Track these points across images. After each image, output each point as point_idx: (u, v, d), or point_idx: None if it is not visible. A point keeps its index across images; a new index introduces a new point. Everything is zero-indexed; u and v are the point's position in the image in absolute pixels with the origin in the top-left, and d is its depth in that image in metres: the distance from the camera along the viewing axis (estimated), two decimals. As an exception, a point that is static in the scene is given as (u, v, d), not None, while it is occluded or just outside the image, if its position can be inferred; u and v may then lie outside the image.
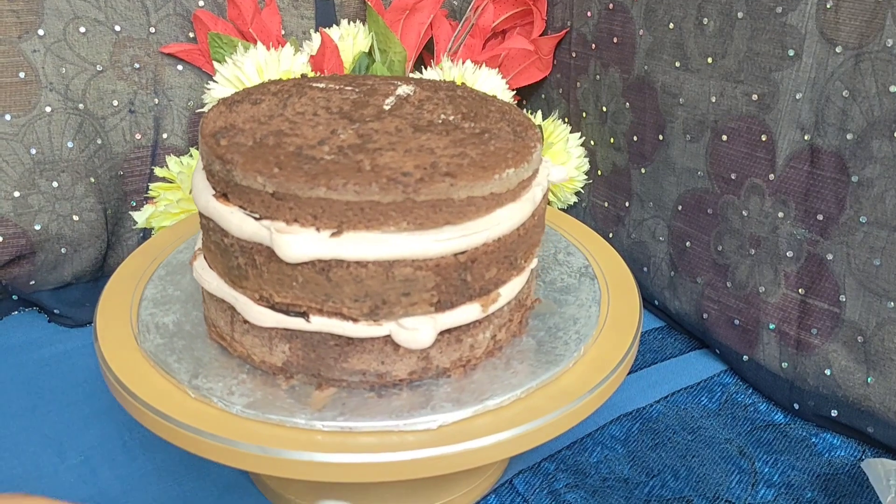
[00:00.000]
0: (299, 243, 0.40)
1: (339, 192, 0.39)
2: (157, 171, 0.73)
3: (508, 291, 0.47)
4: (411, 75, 0.78)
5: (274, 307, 0.44)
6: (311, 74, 0.72)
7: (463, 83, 0.56)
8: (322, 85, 0.53)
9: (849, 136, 0.56)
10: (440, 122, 0.47)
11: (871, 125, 0.55)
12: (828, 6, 0.56)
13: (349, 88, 0.53)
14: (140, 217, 0.73)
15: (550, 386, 0.47)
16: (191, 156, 0.74)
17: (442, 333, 0.45)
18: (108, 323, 0.50)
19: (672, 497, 0.55)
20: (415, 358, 0.45)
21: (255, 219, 0.42)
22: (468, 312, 0.45)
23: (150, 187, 0.74)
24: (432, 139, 0.44)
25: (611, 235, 0.80)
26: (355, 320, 0.43)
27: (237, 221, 0.42)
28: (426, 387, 0.46)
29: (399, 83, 0.54)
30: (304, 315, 0.43)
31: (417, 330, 0.43)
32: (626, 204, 0.77)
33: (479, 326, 0.47)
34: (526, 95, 0.88)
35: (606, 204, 0.80)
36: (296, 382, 0.46)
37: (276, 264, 0.42)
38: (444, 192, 0.40)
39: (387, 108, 0.49)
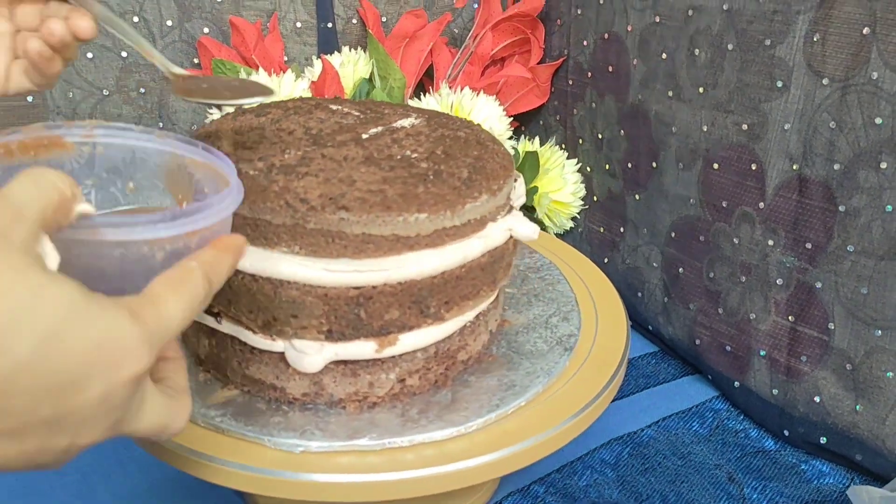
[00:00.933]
0: None
1: (239, 207, 0.42)
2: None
3: (415, 339, 0.47)
4: (420, 106, 0.80)
5: None
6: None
7: (478, 125, 0.55)
8: (336, 107, 0.55)
9: (836, 167, 0.57)
10: (399, 157, 0.47)
11: (858, 156, 0.56)
12: (815, 39, 0.57)
13: (356, 113, 0.54)
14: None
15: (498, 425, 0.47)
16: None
17: (337, 364, 0.46)
18: None
19: (660, 522, 0.56)
20: (307, 381, 0.47)
21: None
22: (361, 349, 0.45)
23: (152, 209, 0.76)
24: (369, 173, 0.45)
25: (606, 261, 0.81)
26: (254, 331, 0.45)
27: None
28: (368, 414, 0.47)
29: (409, 115, 0.55)
30: (217, 316, 0.46)
31: (305, 353, 0.45)
32: (622, 230, 0.78)
33: (381, 366, 0.47)
34: (524, 122, 0.90)
35: (602, 229, 0.81)
36: (209, 377, 0.49)
37: None
38: (334, 224, 0.42)
39: (365, 136, 0.50)
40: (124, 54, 0.73)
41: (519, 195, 0.53)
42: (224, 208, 0.35)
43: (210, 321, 0.47)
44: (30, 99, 0.69)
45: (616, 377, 0.51)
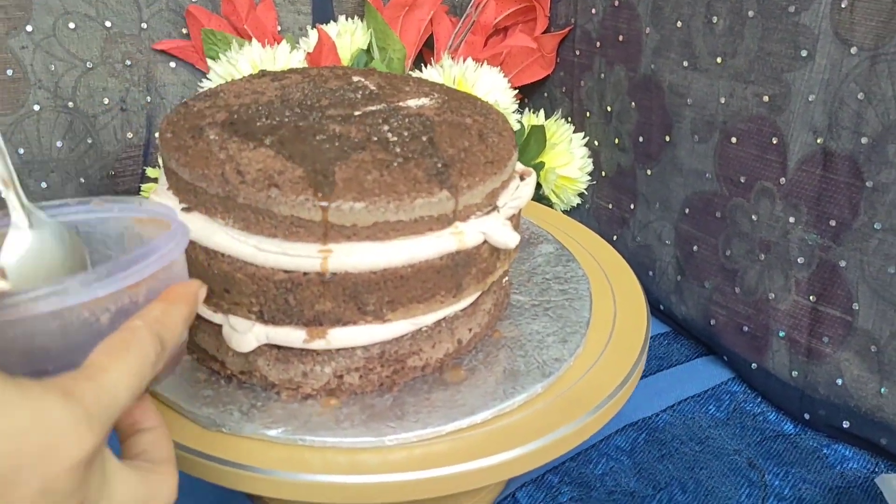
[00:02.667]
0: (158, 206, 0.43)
1: (178, 169, 0.42)
2: (149, 172, 0.71)
3: (350, 335, 0.43)
4: (426, 80, 0.76)
5: None
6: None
7: (500, 114, 0.51)
8: (357, 79, 0.52)
9: (863, 140, 0.55)
10: (376, 139, 0.44)
11: (887, 129, 0.53)
12: (843, 6, 0.54)
13: (372, 87, 0.51)
14: (132, 219, 0.71)
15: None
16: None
17: (270, 347, 0.44)
18: None
19: (680, 511, 0.54)
20: (243, 359, 0.45)
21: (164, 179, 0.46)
22: (290, 336, 0.43)
23: (142, 188, 0.72)
24: (329, 150, 0.42)
25: (615, 238, 0.78)
26: None
27: (160, 177, 0.47)
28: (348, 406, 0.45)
29: (426, 95, 0.51)
30: None
31: (235, 330, 0.43)
32: (632, 206, 0.75)
33: (315, 358, 0.44)
34: (528, 94, 0.86)
35: (611, 206, 0.78)
36: None
37: None
38: (262, 202, 0.40)
39: (357, 114, 0.47)
40: (108, 24, 0.70)
41: (519, 196, 0.48)
42: (166, 254, 0.32)
43: None
44: (9, 72, 0.65)
45: (636, 370, 0.49)
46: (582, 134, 0.79)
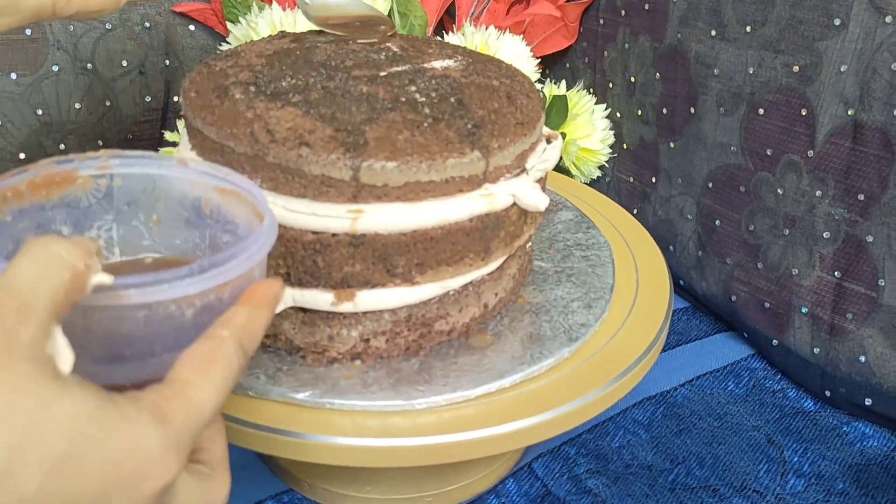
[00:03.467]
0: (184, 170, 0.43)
1: (205, 128, 0.41)
2: (168, 136, 0.71)
3: (379, 298, 0.43)
4: (448, 42, 0.75)
5: None
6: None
7: (525, 76, 0.50)
8: (375, 39, 0.52)
9: (896, 112, 0.53)
10: (404, 100, 0.43)
11: (921, 100, 0.52)
12: (879, -28, 0.53)
13: (395, 49, 0.50)
14: (149, 183, 0.70)
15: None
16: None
17: (296, 310, 0.43)
18: None
19: (698, 486, 0.53)
20: None
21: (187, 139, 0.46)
22: (318, 298, 0.42)
23: (160, 151, 0.72)
24: (358, 112, 0.41)
25: (636, 212, 0.77)
26: None
27: (182, 137, 0.48)
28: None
29: (451, 57, 0.50)
30: None
31: None
32: (653, 180, 0.74)
33: (341, 321, 0.43)
34: (550, 65, 0.85)
35: (632, 179, 0.77)
36: None
37: None
38: (293, 161, 0.39)
39: (383, 74, 0.46)
40: (128, -15, 0.69)
41: (546, 159, 0.48)
42: (257, 252, 0.32)
43: None
44: (28, 32, 0.65)
45: (652, 349, 0.49)
46: (604, 105, 0.78)
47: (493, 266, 0.47)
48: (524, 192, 0.44)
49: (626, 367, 0.46)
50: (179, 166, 0.37)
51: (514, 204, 0.44)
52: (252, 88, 0.43)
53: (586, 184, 0.79)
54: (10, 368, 0.22)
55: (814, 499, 0.52)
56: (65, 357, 0.25)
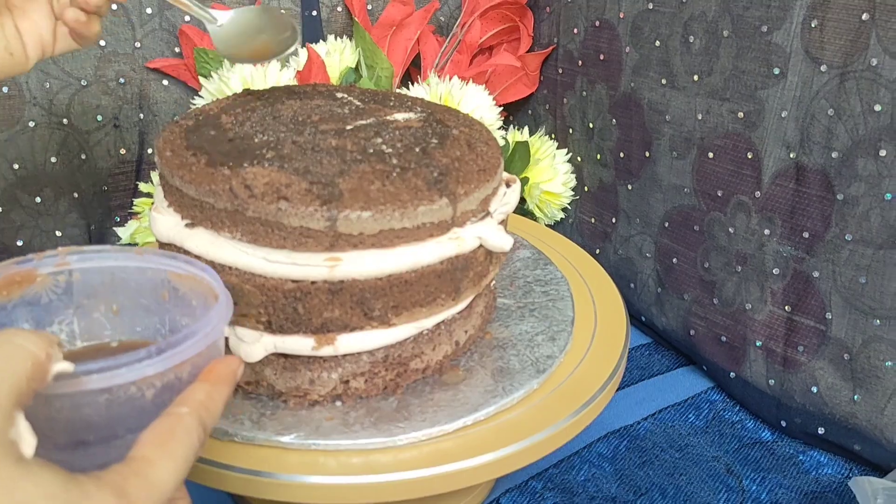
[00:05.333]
0: (159, 223, 0.45)
1: (184, 186, 0.43)
2: (142, 187, 0.73)
3: (358, 341, 0.45)
4: (413, 95, 0.78)
5: None
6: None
7: (482, 124, 0.53)
8: (341, 95, 0.54)
9: (834, 155, 0.57)
10: (371, 151, 0.45)
11: (856, 144, 0.55)
12: (813, 25, 0.56)
13: (357, 103, 0.53)
14: (124, 233, 0.72)
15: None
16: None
17: (277, 356, 0.45)
18: None
19: (660, 516, 0.55)
20: (249, 370, 0.46)
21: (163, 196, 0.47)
22: (299, 344, 0.44)
23: (134, 203, 0.74)
24: (329, 164, 0.43)
25: (598, 251, 0.80)
26: None
27: (157, 195, 0.48)
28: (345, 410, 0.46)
29: (411, 109, 0.53)
30: None
31: (244, 342, 0.44)
32: (613, 220, 0.77)
33: (322, 364, 0.45)
34: (513, 111, 0.88)
35: (593, 220, 0.80)
36: None
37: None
38: (272, 214, 0.41)
39: (349, 127, 0.48)
40: (103, 43, 0.71)
41: (507, 202, 0.50)
42: (212, 331, 0.33)
43: None
44: (5, 90, 0.67)
45: (615, 376, 0.51)
46: (565, 150, 0.81)
47: (462, 305, 0.49)
48: (490, 234, 0.47)
49: (591, 395, 0.48)
50: (136, 256, 0.38)
51: (481, 246, 0.47)
52: (226, 146, 0.45)
53: (549, 226, 0.82)
54: None
55: (771, 526, 0.54)
56: (27, 442, 0.25)
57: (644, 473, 0.59)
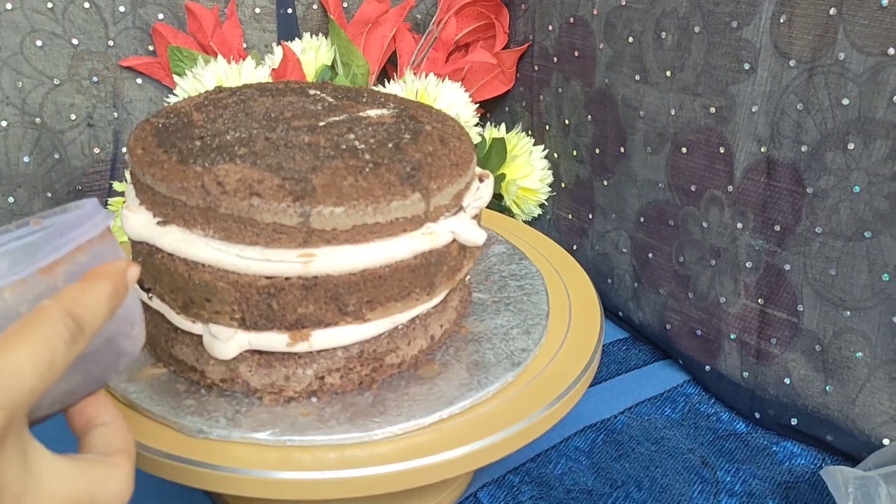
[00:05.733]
0: (132, 222, 0.45)
1: (156, 184, 0.43)
2: (116, 186, 0.72)
3: (333, 336, 0.45)
4: (385, 91, 0.78)
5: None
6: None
7: (454, 120, 0.53)
8: (314, 92, 0.54)
9: (803, 149, 0.57)
10: (344, 147, 0.45)
11: (825, 137, 0.56)
12: (781, 20, 0.57)
13: (330, 100, 0.53)
14: (99, 232, 0.72)
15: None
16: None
17: (252, 353, 0.45)
18: None
19: (636, 508, 0.56)
20: (224, 367, 0.46)
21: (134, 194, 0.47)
22: (274, 340, 0.44)
23: (109, 202, 0.73)
24: (302, 160, 0.43)
25: (575, 248, 0.80)
26: (176, 311, 0.45)
27: (129, 196, 0.47)
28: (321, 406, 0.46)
29: (384, 105, 0.53)
30: (148, 291, 0.46)
31: (218, 339, 0.44)
32: (590, 216, 0.77)
33: (297, 361, 0.46)
34: (490, 109, 0.89)
35: (570, 216, 0.80)
36: (143, 354, 0.49)
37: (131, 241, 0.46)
38: (245, 211, 0.41)
39: (321, 124, 0.48)
40: (75, 42, 0.71)
41: (480, 197, 0.51)
42: (77, 236, 0.31)
43: (143, 296, 0.46)
44: (-24, 89, 0.67)
45: (590, 367, 0.51)
46: (542, 147, 0.82)
47: (437, 300, 0.49)
48: (463, 228, 0.47)
49: (566, 387, 0.49)
50: (35, 228, 0.34)
51: (454, 240, 0.47)
52: (198, 143, 0.45)
53: (527, 222, 0.83)
54: None
55: (745, 516, 0.55)
56: None
57: (620, 466, 0.59)
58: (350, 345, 0.46)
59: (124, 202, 0.48)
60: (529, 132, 0.84)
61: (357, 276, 0.43)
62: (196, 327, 0.45)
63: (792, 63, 0.57)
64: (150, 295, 0.46)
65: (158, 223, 0.44)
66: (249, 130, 0.47)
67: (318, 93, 0.54)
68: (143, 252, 0.45)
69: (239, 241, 0.42)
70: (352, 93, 0.55)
